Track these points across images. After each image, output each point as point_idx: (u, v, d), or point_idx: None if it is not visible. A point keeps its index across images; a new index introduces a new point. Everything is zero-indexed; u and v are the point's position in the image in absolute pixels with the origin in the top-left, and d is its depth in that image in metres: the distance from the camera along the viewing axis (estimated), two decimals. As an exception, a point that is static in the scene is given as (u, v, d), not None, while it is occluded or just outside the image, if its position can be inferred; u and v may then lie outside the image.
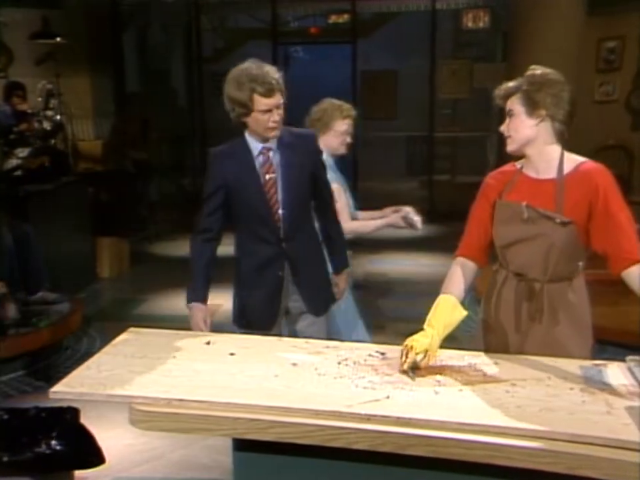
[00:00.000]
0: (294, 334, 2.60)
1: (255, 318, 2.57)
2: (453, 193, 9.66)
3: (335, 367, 2.03)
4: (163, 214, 8.35)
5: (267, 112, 2.41)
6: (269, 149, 2.52)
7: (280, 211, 2.52)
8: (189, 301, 2.53)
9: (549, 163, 2.13)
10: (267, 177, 2.51)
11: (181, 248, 7.76)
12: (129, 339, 2.26)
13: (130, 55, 9.49)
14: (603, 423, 1.68)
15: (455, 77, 8.65)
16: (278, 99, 2.43)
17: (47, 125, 6.17)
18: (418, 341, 2.00)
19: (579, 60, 6.67)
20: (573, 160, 2.14)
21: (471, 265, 2.23)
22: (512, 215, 2.14)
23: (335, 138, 3.13)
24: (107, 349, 2.20)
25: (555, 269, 2.13)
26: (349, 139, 3.17)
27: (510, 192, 2.18)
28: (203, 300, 2.53)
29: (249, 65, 2.47)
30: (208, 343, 2.22)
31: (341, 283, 2.88)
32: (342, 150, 3.18)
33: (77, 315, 4.86)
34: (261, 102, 2.39)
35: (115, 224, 6.69)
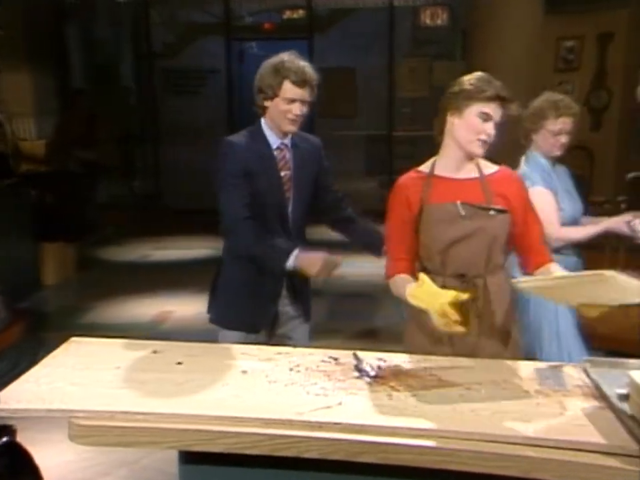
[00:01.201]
0: (280, 337, 2.65)
1: (247, 319, 2.60)
2: (413, 193, 9.78)
3: (286, 373, 2.03)
4: (112, 217, 8.22)
5: (292, 102, 2.47)
6: (286, 146, 2.60)
7: (290, 210, 2.59)
8: (287, 255, 2.45)
9: (471, 164, 2.26)
10: (282, 173, 2.58)
11: (130, 252, 7.68)
12: (70, 350, 2.22)
13: (74, 50, 9.32)
14: (558, 425, 1.72)
15: (414, 75, 8.76)
16: (306, 93, 2.49)
17: (-16, 124, 6.04)
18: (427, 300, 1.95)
19: (538, 59, 6.81)
20: (487, 164, 2.31)
21: (407, 279, 2.20)
22: (447, 215, 2.19)
23: (547, 139, 2.96)
24: (47, 360, 2.15)
25: (495, 261, 2.23)
26: (564, 139, 2.97)
27: (432, 194, 2.22)
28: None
29: (290, 56, 2.55)
30: (154, 352, 2.19)
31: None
32: (556, 152, 2.98)
33: (18, 324, 4.76)
34: (290, 90, 2.46)
35: (59, 228, 6.55)
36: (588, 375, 1.98)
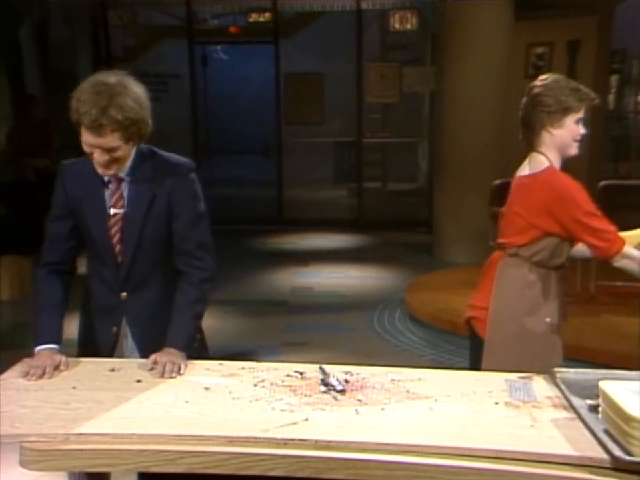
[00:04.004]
0: None
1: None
2: (384, 201, 9.86)
3: (250, 389, 2.02)
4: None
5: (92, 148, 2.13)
6: (121, 179, 2.24)
7: (121, 255, 2.26)
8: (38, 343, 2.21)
9: None
10: (112, 211, 2.25)
11: (90, 265, 7.59)
12: (22, 371, 2.18)
13: (28, 53, 9.19)
14: (527, 437, 1.74)
15: (384, 80, 8.83)
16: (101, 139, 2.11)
17: None
18: None
19: (510, 65, 6.94)
20: None
21: None
22: None
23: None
24: (-3, 381, 2.12)
25: None
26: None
27: None
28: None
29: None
30: (112, 370, 2.17)
31: (161, 356, 2.17)
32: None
33: (-31, 342, 4.65)
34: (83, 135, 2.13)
35: (15, 240, 6.44)
36: (558, 386, 2.01)
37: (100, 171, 2.18)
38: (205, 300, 2.32)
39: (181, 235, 2.28)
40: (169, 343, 2.22)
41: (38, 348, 2.20)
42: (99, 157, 2.14)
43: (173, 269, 2.31)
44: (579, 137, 2.45)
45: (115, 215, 2.25)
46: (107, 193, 2.26)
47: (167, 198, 2.25)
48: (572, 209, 2.38)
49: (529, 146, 2.49)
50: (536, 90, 2.44)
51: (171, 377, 2.11)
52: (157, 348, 2.21)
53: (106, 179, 2.24)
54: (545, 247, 2.44)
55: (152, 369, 2.16)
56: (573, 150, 2.47)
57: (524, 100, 2.50)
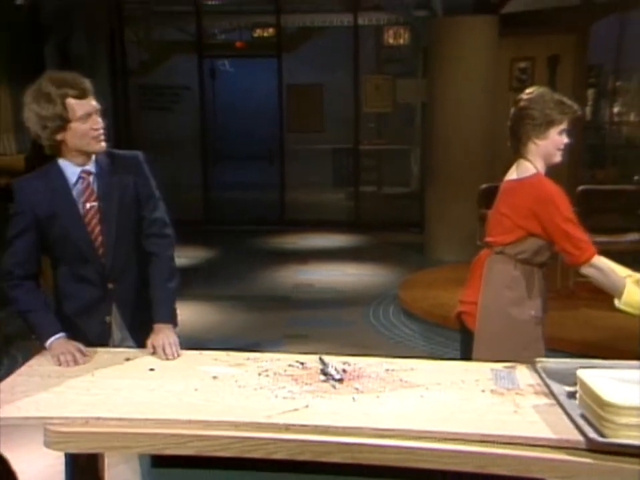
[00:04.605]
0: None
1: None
2: (379, 204, 9.86)
3: (255, 378, 2.02)
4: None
5: (88, 117, 2.11)
6: (89, 173, 2.20)
7: (103, 246, 2.21)
8: (46, 337, 2.17)
9: None
10: (88, 205, 2.20)
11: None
12: (45, 359, 2.19)
13: (52, 67, 9.21)
14: (511, 422, 1.75)
15: (378, 91, 8.82)
16: (93, 103, 2.13)
17: (-37, 140, 5.94)
18: None
19: (495, 79, 6.95)
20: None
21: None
22: None
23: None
24: (22, 369, 2.13)
25: None
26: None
27: None
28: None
29: (63, 74, 2.15)
30: (127, 359, 2.17)
31: (156, 338, 2.21)
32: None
33: (-5, 333, 4.66)
34: (77, 105, 2.09)
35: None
36: (539, 375, 2.02)
37: (99, 145, 2.16)
38: (177, 273, 2.35)
39: (148, 219, 2.31)
40: (157, 319, 2.24)
41: (50, 340, 2.18)
42: (100, 123, 2.14)
43: (144, 251, 2.32)
44: (562, 147, 2.45)
45: (90, 208, 2.20)
46: (77, 190, 2.20)
47: (134, 188, 2.26)
48: (553, 212, 2.38)
49: (517, 154, 2.49)
50: (522, 103, 2.44)
51: (176, 357, 2.15)
52: (147, 330, 2.23)
53: (75, 177, 2.19)
54: (529, 246, 2.44)
55: (153, 353, 2.18)
56: (557, 158, 2.47)
57: (512, 111, 2.49)
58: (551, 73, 7.21)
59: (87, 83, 2.15)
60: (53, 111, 2.08)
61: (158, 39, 10.52)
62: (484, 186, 5.69)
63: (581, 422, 1.69)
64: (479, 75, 6.83)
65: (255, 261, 7.34)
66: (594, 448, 1.62)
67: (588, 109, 7.90)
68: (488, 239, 2.57)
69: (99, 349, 2.26)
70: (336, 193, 10.10)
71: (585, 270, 2.37)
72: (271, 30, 9.49)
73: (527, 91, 2.47)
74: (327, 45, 9.95)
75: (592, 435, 1.62)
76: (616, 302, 2.30)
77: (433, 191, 7.34)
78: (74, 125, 2.11)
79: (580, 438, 1.65)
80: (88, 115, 2.12)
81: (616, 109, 8.09)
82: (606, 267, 2.36)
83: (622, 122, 8.13)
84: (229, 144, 10.99)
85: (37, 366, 2.14)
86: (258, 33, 10.12)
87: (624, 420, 1.59)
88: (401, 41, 9.72)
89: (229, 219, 8.93)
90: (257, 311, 5.71)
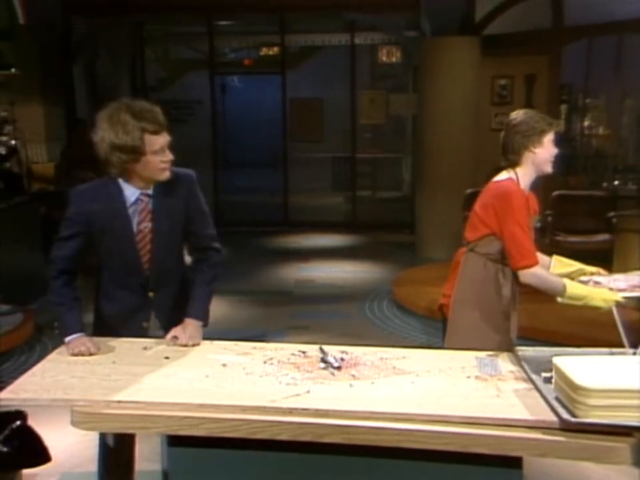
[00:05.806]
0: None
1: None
2: (374, 207, 9.86)
3: (261, 366, 2.01)
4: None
5: (160, 152, 2.03)
6: (148, 195, 2.13)
7: (150, 262, 2.16)
8: (67, 333, 2.14)
9: None
10: (143, 226, 2.13)
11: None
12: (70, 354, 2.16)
13: (80, 84, 9.21)
14: (493, 406, 1.74)
15: (373, 105, 8.81)
16: (166, 137, 2.06)
17: (1, 150, 5.98)
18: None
19: (478, 94, 6.95)
20: None
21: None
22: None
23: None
24: (51, 356, 2.12)
25: None
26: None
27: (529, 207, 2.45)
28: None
29: (140, 104, 2.05)
30: (145, 349, 2.16)
31: (181, 333, 2.17)
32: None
33: (28, 324, 4.67)
34: (154, 140, 2.01)
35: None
36: (519, 362, 2.01)
37: (164, 175, 2.08)
38: (217, 279, 2.31)
39: (198, 235, 2.26)
40: (190, 314, 2.20)
41: (69, 338, 2.14)
42: (169, 156, 2.06)
43: (182, 259, 2.29)
44: (553, 157, 2.42)
45: (144, 228, 2.13)
46: (133, 210, 2.13)
47: (185, 206, 2.19)
48: (507, 212, 2.32)
49: (510, 167, 2.43)
50: (513, 122, 2.42)
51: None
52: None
53: (134, 197, 2.11)
54: (494, 248, 2.39)
55: (169, 342, 2.16)
56: (549, 168, 2.42)
57: (502, 133, 2.45)
58: (528, 90, 7.23)
59: (162, 116, 2.05)
60: (129, 143, 1.99)
61: (174, 58, 10.52)
62: (469, 191, 5.68)
63: (556, 404, 1.68)
64: (463, 90, 6.83)
65: (261, 259, 7.33)
66: (567, 427, 1.62)
67: (561, 123, 7.95)
68: (464, 236, 2.55)
69: (119, 339, 2.25)
70: (335, 196, 10.08)
71: (524, 278, 2.31)
72: (275, 49, 9.47)
73: (513, 114, 2.46)
74: (326, 63, 9.95)
75: (565, 415, 1.62)
76: (559, 299, 2.25)
77: (422, 195, 7.33)
78: (146, 158, 2.03)
79: (554, 419, 1.64)
80: (162, 149, 2.05)
81: (586, 123, 8.14)
82: (543, 273, 2.31)
83: (591, 135, 8.21)
84: (238, 152, 10.98)
85: (64, 353, 2.13)
86: (264, 51, 10.10)
87: (594, 402, 1.59)
88: (394, 59, 9.70)
89: (237, 220, 8.91)
90: (262, 305, 5.69)
